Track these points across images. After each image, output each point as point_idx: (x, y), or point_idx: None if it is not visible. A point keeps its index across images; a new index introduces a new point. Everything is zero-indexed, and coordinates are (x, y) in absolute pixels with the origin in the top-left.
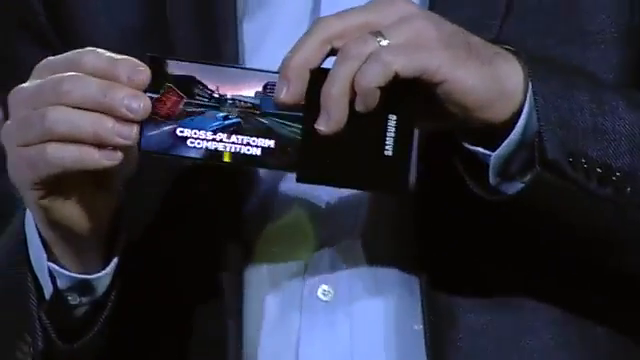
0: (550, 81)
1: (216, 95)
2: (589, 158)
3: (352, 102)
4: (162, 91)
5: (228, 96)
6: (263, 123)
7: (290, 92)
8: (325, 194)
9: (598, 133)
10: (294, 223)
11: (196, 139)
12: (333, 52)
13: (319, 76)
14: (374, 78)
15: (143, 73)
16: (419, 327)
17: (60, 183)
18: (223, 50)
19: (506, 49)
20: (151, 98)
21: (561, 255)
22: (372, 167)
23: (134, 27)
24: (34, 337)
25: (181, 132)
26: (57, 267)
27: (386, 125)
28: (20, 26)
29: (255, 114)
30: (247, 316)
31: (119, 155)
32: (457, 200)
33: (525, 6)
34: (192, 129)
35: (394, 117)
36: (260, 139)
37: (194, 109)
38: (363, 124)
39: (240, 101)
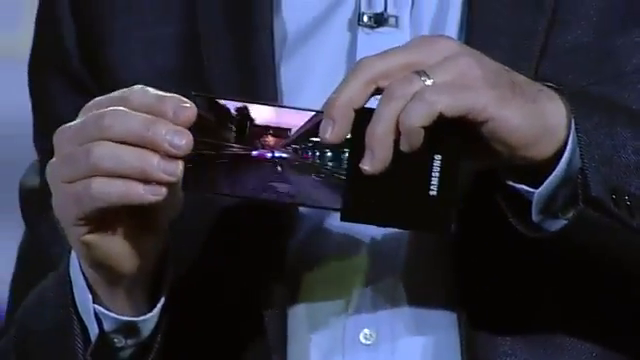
0: (592, 117)
1: (260, 133)
2: (632, 195)
3: (397, 142)
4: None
5: (273, 134)
6: (308, 161)
7: (335, 131)
8: (367, 233)
9: None
10: (336, 262)
11: (241, 176)
12: (377, 91)
13: (364, 115)
14: (418, 118)
15: (189, 110)
16: None
17: (104, 220)
18: (262, 92)
19: (548, 86)
20: (194, 135)
21: (601, 292)
22: (417, 207)
23: (171, 69)
24: None
25: (226, 169)
26: (103, 309)
27: (431, 165)
28: (56, 71)
29: (299, 152)
30: (291, 352)
31: (164, 191)
32: (498, 237)
33: (560, 48)
34: (237, 166)
35: (439, 157)
36: (305, 177)
37: (238, 146)
38: (408, 163)
39: (285, 139)
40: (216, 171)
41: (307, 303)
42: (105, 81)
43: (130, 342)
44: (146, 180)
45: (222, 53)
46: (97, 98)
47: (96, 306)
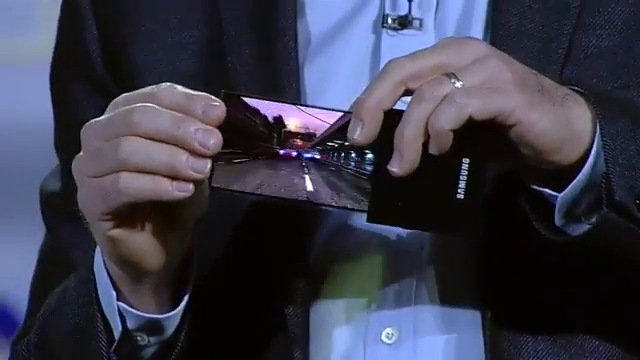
0: (617, 122)
1: (288, 132)
2: None
3: (425, 144)
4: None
5: (300, 134)
6: (335, 162)
7: (364, 133)
8: (390, 231)
9: None
10: (359, 259)
11: (267, 176)
12: (404, 93)
13: (392, 117)
14: (449, 121)
15: (218, 108)
16: None
17: (130, 215)
18: (286, 94)
19: (573, 90)
20: (222, 133)
21: (624, 295)
22: (443, 210)
23: (194, 71)
24: None
25: (252, 168)
26: (127, 307)
27: (459, 168)
28: (79, 76)
29: (326, 153)
30: (313, 349)
31: (191, 187)
32: (522, 239)
33: (585, 52)
34: (263, 165)
35: (467, 160)
36: (331, 178)
37: (265, 145)
38: (436, 166)
39: (312, 139)
40: (242, 170)
41: (329, 300)
42: (128, 83)
43: (153, 340)
44: (174, 177)
45: (246, 55)
46: (125, 94)
47: (120, 303)
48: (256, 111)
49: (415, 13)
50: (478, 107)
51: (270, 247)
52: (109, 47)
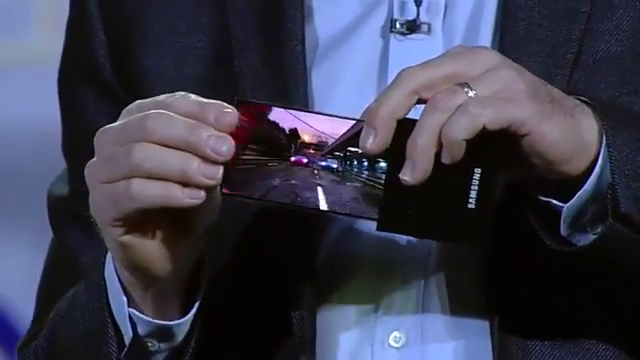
0: (623, 133)
1: (300, 140)
2: None
3: (437, 153)
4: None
5: (312, 141)
6: (346, 170)
7: (377, 141)
8: (398, 236)
9: None
10: (366, 264)
11: (278, 183)
12: (417, 102)
13: (404, 126)
14: (462, 131)
15: (231, 115)
16: None
17: (142, 221)
18: (294, 97)
19: (581, 101)
20: (234, 140)
21: (630, 302)
22: (454, 219)
23: (202, 77)
24: None
25: (263, 175)
26: (137, 313)
27: (471, 178)
28: (87, 80)
29: (337, 160)
30: (320, 353)
31: (202, 194)
32: (528, 248)
33: (593, 57)
34: (274, 172)
35: (479, 170)
36: (341, 186)
37: (276, 152)
38: (447, 176)
39: (323, 147)
40: (253, 176)
41: (337, 304)
42: (135, 88)
43: (163, 346)
44: (186, 183)
45: (254, 60)
46: (139, 101)
47: (131, 309)
48: (268, 118)
49: (423, 18)
50: (492, 117)
51: (277, 251)
52: (117, 52)
